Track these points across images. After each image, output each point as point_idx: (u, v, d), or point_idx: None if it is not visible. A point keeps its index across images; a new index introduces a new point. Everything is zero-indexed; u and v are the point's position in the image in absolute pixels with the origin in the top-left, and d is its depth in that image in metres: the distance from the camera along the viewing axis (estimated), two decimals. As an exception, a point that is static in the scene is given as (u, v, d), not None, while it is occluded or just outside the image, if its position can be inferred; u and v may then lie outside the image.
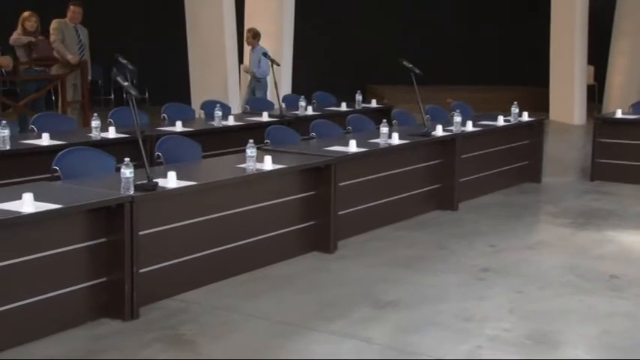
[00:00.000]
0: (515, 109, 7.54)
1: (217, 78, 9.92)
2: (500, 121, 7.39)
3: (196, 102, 9.31)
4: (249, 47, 9.40)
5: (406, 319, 4.05)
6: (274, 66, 7.86)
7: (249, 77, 9.41)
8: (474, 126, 6.93)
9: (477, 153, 6.95)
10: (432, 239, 5.62)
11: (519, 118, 7.58)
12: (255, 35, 9.36)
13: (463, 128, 6.75)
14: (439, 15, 14.72)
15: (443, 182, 6.45)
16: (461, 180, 6.55)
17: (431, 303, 4.29)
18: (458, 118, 6.67)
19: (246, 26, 10.86)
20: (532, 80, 13.78)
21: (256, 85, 9.28)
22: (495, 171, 7.26)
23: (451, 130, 6.60)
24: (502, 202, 6.90)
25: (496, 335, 3.87)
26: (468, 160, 6.75)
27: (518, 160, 7.59)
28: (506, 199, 7.01)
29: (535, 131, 7.76)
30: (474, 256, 5.20)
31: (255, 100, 8.46)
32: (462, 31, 14.81)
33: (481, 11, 14.84)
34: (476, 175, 6.93)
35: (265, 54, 8.10)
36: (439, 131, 6.48)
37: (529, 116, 7.68)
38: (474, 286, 4.60)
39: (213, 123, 6.84)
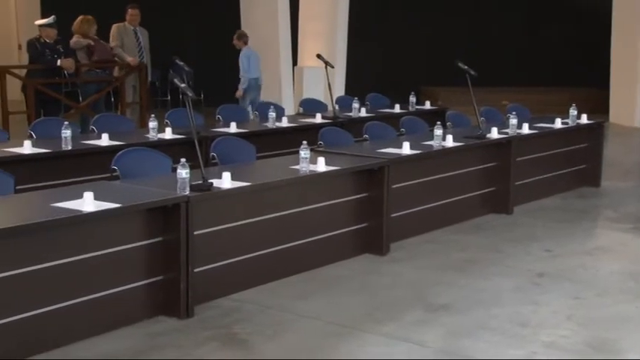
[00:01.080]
0: (573, 112, 7.38)
1: (272, 79, 10.00)
2: (558, 123, 7.24)
3: (251, 103, 9.40)
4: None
5: (459, 323, 4.01)
6: (328, 67, 7.87)
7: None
8: (530, 128, 6.81)
9: (533, 156, 6.83)
10: (486, 243, 5.55)
11: (578, 121, 7.42)
12: (240, 37, 9.34)
13: (519, 131, 6.64)
14: (495, 15, 14.51)
15: (498, 185, 6.36)
16: (516, 183, 6.45)
17: (484, 307, 4.23)
18: (514, 121, 6.58)
19: (301, 28, 10.94)
20: (591, 81, 13.46)
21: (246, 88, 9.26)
22: (552, 174, 7.12)
23: (507, 133, 6.50)
24: (559, 206, 6.76)
25: (552, 342, 3.79)
26: (524, 163, 6.64)
27: (577, 164, 7.43)
28: (564, 203, 6.87)
29: (594, 134, 7.58)
30: (529, 261, 5.11)
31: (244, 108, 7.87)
32: (518, 32, 14.57)
33: (538, 11, 14.57)
34: (532, 179, 6.81)
35: (319, 55, 8.11)
36: (494, 134, 6.39)
37: (588, 118, 7.51)
38: (529, 291, 4.52)
39: (267, 124, 6.90)
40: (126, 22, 9.25)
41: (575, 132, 7.40)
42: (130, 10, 9.26)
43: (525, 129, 6.73)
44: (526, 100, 9.98)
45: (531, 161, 6.80)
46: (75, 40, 8.57)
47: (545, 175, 7.02)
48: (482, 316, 4.11)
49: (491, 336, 3.84)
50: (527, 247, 5.43)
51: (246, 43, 9.38)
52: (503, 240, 5.61)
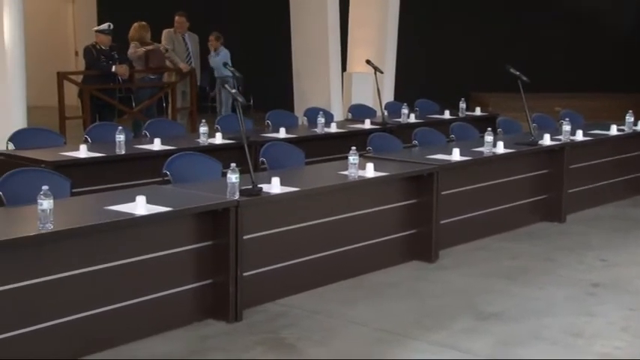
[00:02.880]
0: (630, 118, 7.20)
1: (321, 85, 10.02)
2: (614, 130, 7.07)
3: (299, 109, 9.45)
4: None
5: (510, 332, 3.94)
6: (377, 73, 7.85)
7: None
8: (584, 135, 6.67)
9: (587, 163, 6.68)
10: (537, 251, 5.44)
11: (634, 127, 7.23)
12: (218, 38, 9.78)
13: (572, 137, 6.51)
14: (547, 19, 14.27)
15: (550, 193, 6.24)
16: (569, 191, 6.32)
17: (536, 316, 4.15)
18: (567, 127, 6.45)
19: (350, 34, 10.94)
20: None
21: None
22: (607, 182, 6.96)
23: (559, 140, 6.38)
24: (614, 215, 6.59)
25: (607, 353, 3.70)
26: (578, 170, 6.50)
27: (633, 172, 7.23)
28: (619, 212, 6.70)
29: (651, 141, 7.38)
30: (583, 270, 5.00)
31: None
32: (571, 35, 14.29)
33: (591, 14, 14.27)
34: (586, 187, 6.66)
35: (368, 61, 8.09)
36: (547, 140, 6.28)
37: (645, 125, 7.32)
38: (583, 302, 4.42)
39: (315, 130, 6.91)
40: (173, 29, 9.43)
41: (631, 139, 7.22)
42: (176, 17, 9.46)
43: (579, 136, 6.60)
44: (579, 106, 9.78)
45: (585, 169, 6.65)
46: (133, 51, 8.77)
47: (599, 183, 6.86)
48: (534, 325, 4.03)
49: (544, 346, 3.77)
50: (581, 256, 5.32)
51: (222, 44, 9.81)
52: (556, 248, 5.50)
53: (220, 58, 9.63)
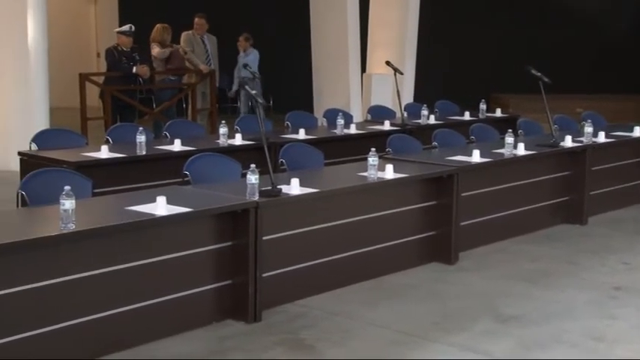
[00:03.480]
0: (652, 119, 7.13)
1: (340, 86, 10.03)
2: (637, 131, 7.00)
3: (319, 110, 9.46)
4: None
5: (530, 335, 3.91)
6: (397, 74, 7.84)
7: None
8: (606, 137, 6.61)
9: (609, 165, 6.62)
10: (558, 253, 5.40)
11: (658, 129, 7.15)
12: (247, 39, 10.00)
13: (594, 139, 6.45)
14: (568, 20, 14.16)
15: (571, 195, 6.19)
16: (591, 193, 6.26)
17: (557, 320, 4.12)
18: (589, 129, 6.40)
19: (370, 35, 10.94)
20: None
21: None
22: (629, 184, 6.89)
23: (581, 141, 6.33)
24: (636, 218, 6.52)
25: (629, 357, 3.65)
26: (600, 172, 6.44)
27: (656, 173, 7.16)
28: (642, 215, 6.64)
29: (675, 143, 7.29)
30: (605, 273, 4.95)
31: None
32: (593, 37, 14.16)
33: (613, 14, 14.13)
34: (608, 189, 6.60)
35: (388, 62, 8.08)
36: (568, 142, 6.23)
37: (669, 126, 7.23)
38: (604, 305, 4.38)
39: (335, 131, 6.91)
40: (193, 31, 9.49)
41: (654, 141, 7.14)
42: (196, 19, 9.52)
43: (601, 137, 6.54)
44: (601, 107, 9.68)
45: (607, 171, 6.59)
46: (161, 51, 8.83)
47: (621, 185, 6.79)
48: (554, 328, 4.00)
49: (564, 349, 3.74)
50: (603, 259, 5.26)
51: (251, 45, 10.00)
52: (578, 251, 5.45)
53: (250, 58, 9.69)
